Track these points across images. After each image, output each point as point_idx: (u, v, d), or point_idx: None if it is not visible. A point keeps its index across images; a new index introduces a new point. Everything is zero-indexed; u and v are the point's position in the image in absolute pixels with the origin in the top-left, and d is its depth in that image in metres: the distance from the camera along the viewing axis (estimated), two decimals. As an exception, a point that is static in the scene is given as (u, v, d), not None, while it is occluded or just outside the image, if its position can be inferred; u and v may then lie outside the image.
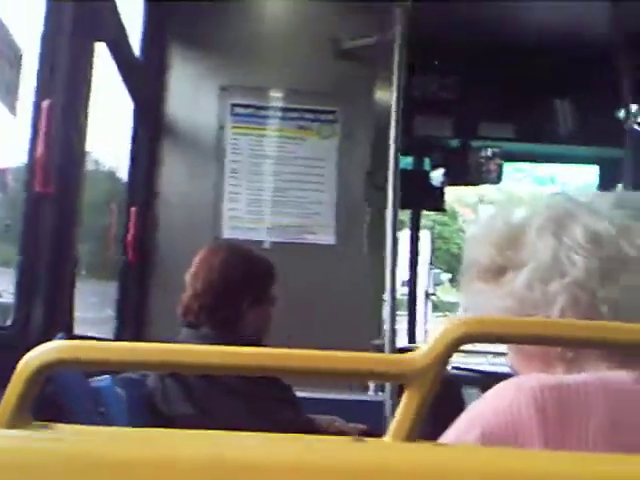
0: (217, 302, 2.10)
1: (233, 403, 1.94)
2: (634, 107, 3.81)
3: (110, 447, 0.52)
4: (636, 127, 3.94)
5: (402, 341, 4.89)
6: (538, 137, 4.47)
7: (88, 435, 0.62)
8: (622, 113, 3.87)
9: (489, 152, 4.42)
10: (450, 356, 0.73)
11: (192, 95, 3.32)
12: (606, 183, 4.41)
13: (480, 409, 0.93)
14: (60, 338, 1.92)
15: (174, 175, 3.29)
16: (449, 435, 0.91)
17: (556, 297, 0.99)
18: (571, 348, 0.98)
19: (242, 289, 2.14)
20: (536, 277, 1.02)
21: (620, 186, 4.33)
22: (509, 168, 4.94)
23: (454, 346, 0.73)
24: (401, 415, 0.67)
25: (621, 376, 0.94)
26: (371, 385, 3.04)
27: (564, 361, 1.00)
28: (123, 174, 3.31)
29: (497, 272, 1.08)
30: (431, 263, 5.83)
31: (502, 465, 0.51)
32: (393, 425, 0.67)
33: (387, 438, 0.68)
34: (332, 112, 3.33)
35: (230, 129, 3.30)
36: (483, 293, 1.09)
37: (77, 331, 2.29)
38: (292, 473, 0.49)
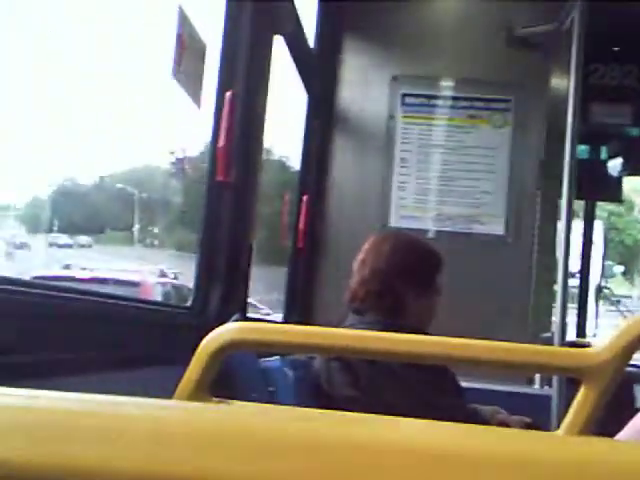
0: (383, 289, 2.12)
1: (396, 388, 1.95)
2: None
3: (289, 426, 0.54)
4: None
5: (570, 335, 4.72)
6: None
7: (266, 413, 0.65)
8: None
9: (672, 140, 4.15)
10: (632, 353, 0.70)
11: (364, 85, 3.36)
12: None
13: None
14: (236, 320, 2.02)
15: (345, 164, 3.34)
16: (626, 434, 0.89)
17: None
18: None
19: (409, 277, 2.14)
20: None
21: None
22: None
23: (638, 343, 0.70)
24: (576, 410, 0.66)
25: None
26: (537, 379, 2.96)
27: None
28: (294, 163, 3.40)
29: None
30: (604, 255, 5.56)
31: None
32: (567, 419, 0.66)
33: (560, 432, 0.67)
34: (505, 101, 3.25)
35: (400, 118, 3.31)
36: None
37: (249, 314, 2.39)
38: (464, 462, 0.50)
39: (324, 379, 2.06)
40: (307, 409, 0.70)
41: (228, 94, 2.00)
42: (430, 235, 3.20)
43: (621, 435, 0.88)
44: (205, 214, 2.09)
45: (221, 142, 1.96)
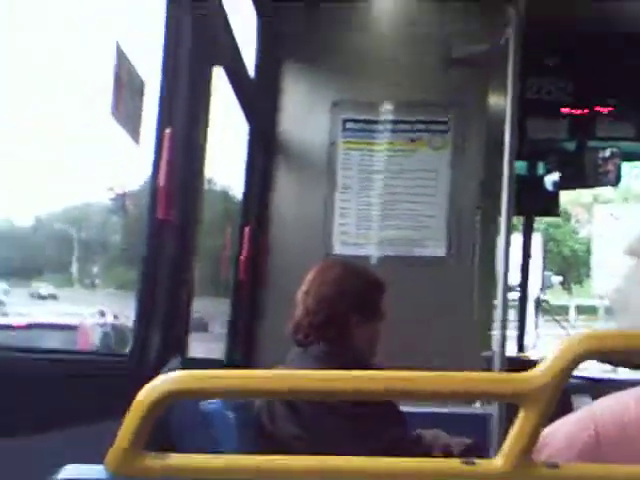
0: (328, 318, 2.12)
1: (339, 423, 1.94)
2: None
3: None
4: None
5: (512, 347, 4.79)
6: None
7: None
8: None
9: (607, 153, 4.26)
10: (569, 375, 0.72)
11: (305, 113, 3.37)
12: None
13: (598, 412, 0.92)
14: (176, 362, 1.98)
15: (287, 193, 3.33)
16: (560, 431, 0.91)
17: None
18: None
19: (353, 306, 2.15)
20: None
21: None
22: (626, 167, 4.75)
23: (574, 364, 0.72)
24: (516, 433, 0.67)
25: None
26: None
27: None
28: (235, 192, 3.38)
29: None
30: (543, 267, 5.68)
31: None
32: (507, 444, 0.67)
33: (499, 459, 0.68)
34: (443, 122, 3.30)
35: (341, 144, 3.33)
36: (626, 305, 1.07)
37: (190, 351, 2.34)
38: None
39: (266, 419, 2.04)
40: (246, 456, 0.69)
41: (167, 131, 1.99)
42: (373, 261, 3.21)
43: (549, 434, 0.90)
44: (146, 253, 2.04)
45: (161, 180, 1.94)
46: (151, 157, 2.02)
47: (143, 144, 1.98)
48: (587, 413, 0.93)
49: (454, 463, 0.67)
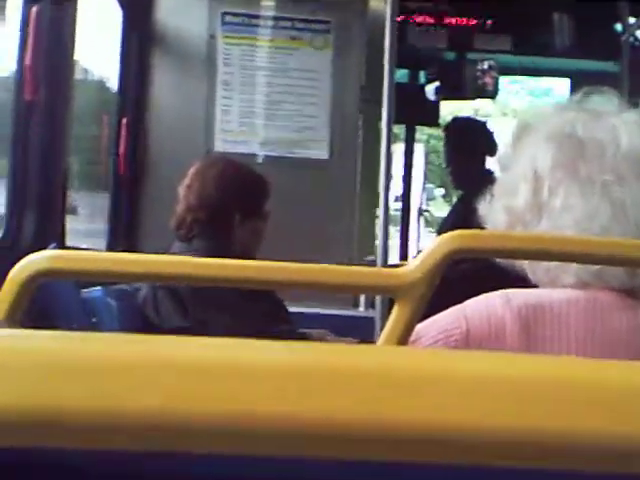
0: (210, 215, 2.10)
1: (225, 317, 1.96)
2: (632, 20, 3.73)
3: (87, 348, 0.52)
4: (632, 40, 3.88)
5: (394, 258, 4.92)
6: (535, 50, 4.40)
7: (64, 338, 0.62)
8: (620, 26, 3.81)
9: (485, 65, 4.34)
10: (441, 271, 0.73)
11: (182, 2, 3.23)
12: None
13: (469, 311, 0.95)
14: (53, 249, 1.92)
15: (165, 86, 3.22)
16: (432, 327, 0.94)
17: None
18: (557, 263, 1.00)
19: (235, 203, 2.13)
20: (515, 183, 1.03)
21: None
22: (505, 81, 4.87)
23: (445, 260, 0.73)
24: (391, 327, 0.69)
25: (605, 293, 0.97)
26: (362, 301, 3.06)
27: (551, 277, 1.02)
28: (114, 84, 3.25)
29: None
30: (425, 178, 5.80)
31: (491, 368, 0.52)
32: (383, 336, 0.68)
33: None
34: (325, 22, 3.25)
35: (221, 39, 3.22)
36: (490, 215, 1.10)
37: (69, 243, 2.29)
38: (281, 376, 0.50)
39: (151, 309, 2.03)
40: (107, 333, 0.68)
41: (34, 9, 1.86)
42: (257, 160, 3.18)
43: (426, 324, 0.94)
44: (13, 136, 1.96)
45: (27, 60, 1.83)
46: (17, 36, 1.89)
47: (9, 23, 1.86)
48: (458, 311, 0.97)
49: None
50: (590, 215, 0.98)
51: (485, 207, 1.09)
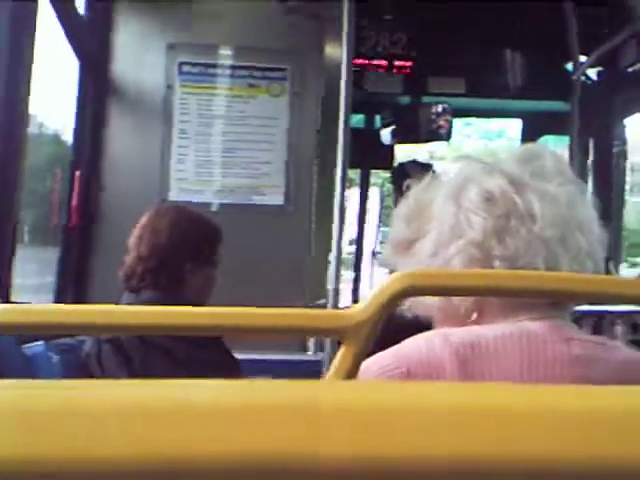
0: (161, 265, 2.08)
1: (171, 368, 1.93)
2: (582, 58, 3.83)
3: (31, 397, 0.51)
4: (583, 79, 3.98)
5: (348, 298, 4.92)
6: (487, 92, 4.49)
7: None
8: (570, 66, 3.91)
9: (439, 108, 4.42)
10: (387, 311, 0.73)
11: (139, 53, 3.25)
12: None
13: (408, 350, 0.96)
14: (-3, 306, 1.88)
15: (121, 137, 3.22)
16: (372, 367, 0.95)
17: (452, 259, 1.02)
18: (505, 297, 1.01)
19: (187, 252, 2.12)
20: (439, 243, 1.05)
21: (544, 138, 4.43)
22: (459, 123, 4.96)
23: (393, 300, 0.73)
24: (335, 368, 0.68)
25: (538, 326, 0.99)
26: (311, 345, 3.05)
27: (485, 314, 1.03)
28: (69, 137, 3.24)
29: (407, 245, 1.13)
30: (380, 221, 5.87)
31: (435, 399, 0.52)
32: (327, 378, 0.68)
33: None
34: (281, 69, 3.29)
35: (178, 88, 3.24)
36: (399, 266, 1.14)
37: (17, 299, 2.24)
38: (229, 415, 0.50)
39: (95, 362, 1.99)
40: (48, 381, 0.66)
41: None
42: (212, 208, 3.18)
43: (365, 368, 0.95)
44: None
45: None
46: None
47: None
48: (398, 351, 0.98)
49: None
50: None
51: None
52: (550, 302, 1.01)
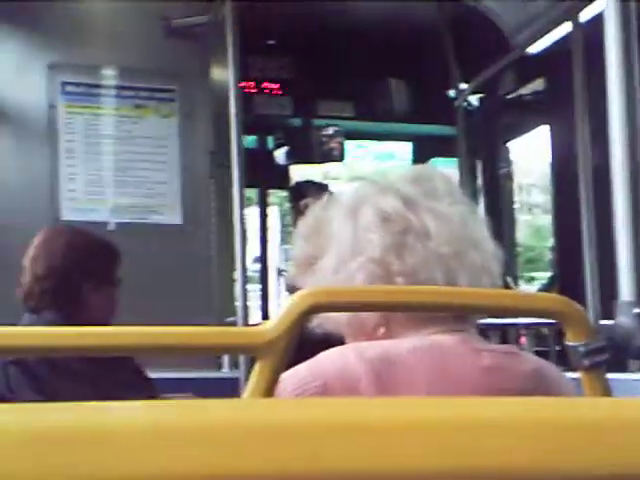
0: (59, 285, 2.02)
1: (80, 389, 1.87)
2: (463, 86, 3.97)
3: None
4: (466, 105, 4.13)
5: (257, 317, 4.91)
6: (377, 115, 4.59)
7: None
8: (453, 92, 4.04)
9: (330, 130, 4.48)
10: (299, 326, 0.73)
11: (20, 73, 3.14)
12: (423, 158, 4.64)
13: (324, 365, 0.97)
14: None
15: (6, 157, 3.11)
16: (289, 382, 0.94)
17: (355, 275, 1.04)
18: (413, 312, 1.03)
19: (84, 272, 2.07)
20: (340, 260, 1.07)
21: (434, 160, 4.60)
22: (352, 145, 5.04)
23: (302, 317, 0.74)
24: (253, 385, 0.68)
25: (447, 339, 1.01)
26: (225, 362, 3.03)
27: (392, 328, 1.05)
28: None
29: (309, 262, 1.14)
30: (282, 239, 5.89)
31: (354, 414, 0.52)
32: (246, 394, 0.67)
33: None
34: (170, 90, 3.26)
35: (62, 108, 3.15)
36: (305, 283, 1.15)
37: None
38: (145, 436, 0.48)
39: (4, 387, 1.91)
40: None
41: None
42: (109, 227, 3.10)
43: (281, 381, 0.95)
44: None
45: None
46: None
47: None
48: (314, 366, 0.98)
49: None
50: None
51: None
52: (455, 315, 1.04)
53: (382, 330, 1.05)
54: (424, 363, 0.96)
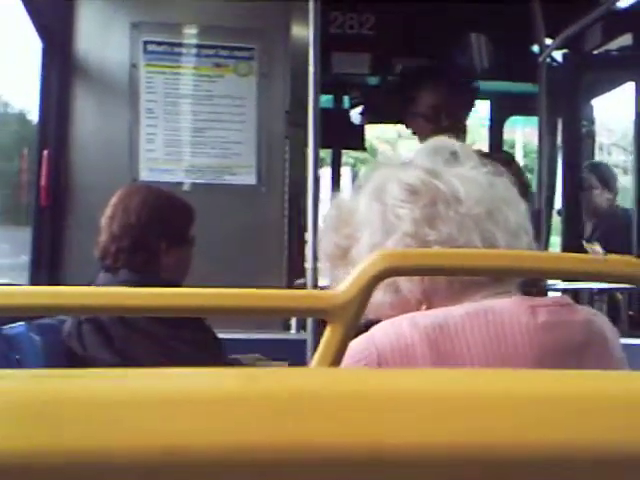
0: (135, 245, 2.07)
1: (152, 348, 1.92)
2: (548, 41, 3.85)
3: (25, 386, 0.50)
4: (550, 61, 4.00)
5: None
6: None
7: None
8: (536, 48, 3.92)
9: (408, 89, 4.40)
10: (371, 291, 0.73)
11: (103, 32, 3.19)
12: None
13: (378, 336, 0.98)
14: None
15: (88, 116, 3.17)
16: (348, 351, 0.96)
17: None
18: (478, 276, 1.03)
19: (159, 231, 2.11)
20: (374, 243, 1.07)
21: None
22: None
23: (375, 280, 0.73)
24: (324, 348, 0.68)
25: (498, 302, 1.02)
26: (293, 324, 3.06)
27: (434, 303, 1.05)
28: (34, 117, 3.19)
29: (342, 254, 1.14)
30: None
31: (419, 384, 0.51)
32: (316, 357, 0.68)
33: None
34: (249, 49, 3.26)
35: (143, 67, 3.19)
36: (339, 277, 1.13)
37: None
38: (224, 404, 0.49)
39: (76, 343, 1.98)
40: (41, 370, 0.65)
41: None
42: (184, 188, 3.15)
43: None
44: None
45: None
46: None
47: None
48: (367, 338, 0.99)
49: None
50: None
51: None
52: (495, 279, 1.04)
53: (424, 308, 1.06)
54: (479, 326, 0.97)
